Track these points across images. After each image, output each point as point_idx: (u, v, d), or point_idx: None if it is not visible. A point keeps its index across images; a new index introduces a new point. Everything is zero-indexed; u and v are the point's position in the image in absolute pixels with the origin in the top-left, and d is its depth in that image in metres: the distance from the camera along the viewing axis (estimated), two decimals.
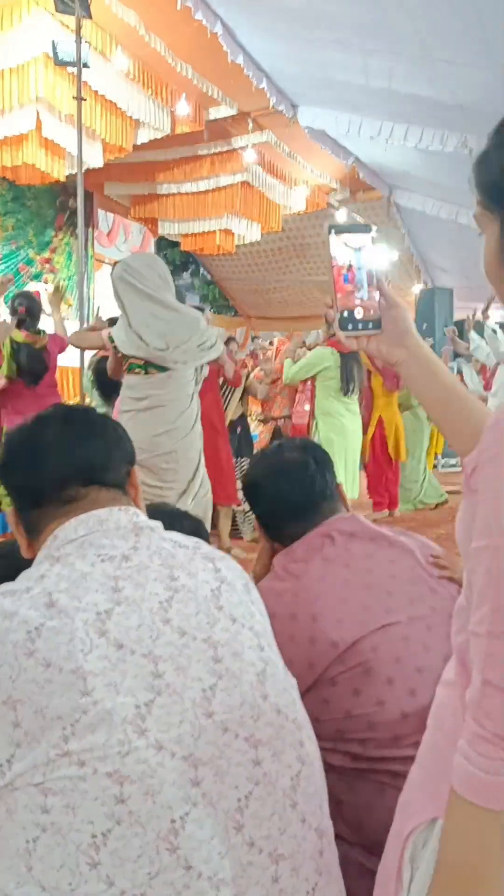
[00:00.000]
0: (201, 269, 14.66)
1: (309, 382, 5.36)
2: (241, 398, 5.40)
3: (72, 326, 5.45)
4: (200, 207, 9.46)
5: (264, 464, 1.56)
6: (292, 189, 9.63)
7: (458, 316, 9.93)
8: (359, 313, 0.96)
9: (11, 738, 0.83)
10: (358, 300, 0.96)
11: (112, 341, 3.26)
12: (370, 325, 0.97)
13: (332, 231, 0.97)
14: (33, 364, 4.64)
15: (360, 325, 0.96)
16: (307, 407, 5.37)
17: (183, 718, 0.88)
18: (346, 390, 5.18)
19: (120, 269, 3.20)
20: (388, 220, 10.45)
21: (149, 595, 0.95)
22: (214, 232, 9.89)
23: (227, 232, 9.98)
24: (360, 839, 1.25)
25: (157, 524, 1.08)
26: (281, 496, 1.46)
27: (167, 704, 0.88)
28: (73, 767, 0.82)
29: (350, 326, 0.96)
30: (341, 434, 5.12)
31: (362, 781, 1.27)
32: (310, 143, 8.23)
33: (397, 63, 5.99)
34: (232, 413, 5.30)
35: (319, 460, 1.52)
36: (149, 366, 3.17)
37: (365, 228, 0.98)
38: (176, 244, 11.68)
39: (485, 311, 6.03)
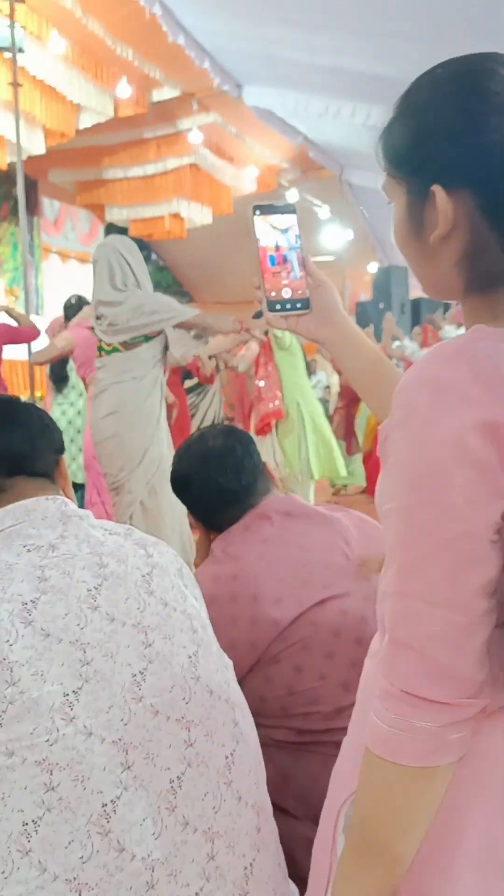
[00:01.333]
0: (153, 255, 14.52)
1: (270, 366, 5.27)
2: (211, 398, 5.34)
3: None
4: (148, 192, 9.36)
5: (189, 455, 1.52)
6: (242, 170, 9.58)
7: (413, 294, 9.99)
8: (287, 293, 0.96)
9: None
10: (286, 281, 0.96)
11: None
12: (298, 305, 0.97)
13: (257, 212, 0.96)
14: None
15: (288, 306, 0.96)
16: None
17: (112, 703, 0.88)
18: (311, 371, 5.18)
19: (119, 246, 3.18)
20: (341, 198, 10.46)
21: (76, 583, 0.95)
22: (163, 217, 9.80)
23: (176, 216, 9.90)
24: (308, 813, 1.26)
25: (88, 513, 1.07)
26: (212, 485, 1.44)
27: (95, 691, 0.88)
28: (1, 757, 0.82)
29: (278, 307, 0.96)
30: (310, 414, 5.02)
31: (307, 755, 1.28)
32: (257, 123, 8.18)
33: (342, 39, 5.96)
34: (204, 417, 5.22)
35: (243, 443, 1.51)
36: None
37: (290, 208, 0.98)
38: (125, 230, 11.55)
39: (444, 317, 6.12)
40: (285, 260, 0.97)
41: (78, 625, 0.91)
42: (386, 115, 0.81)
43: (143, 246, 14.14)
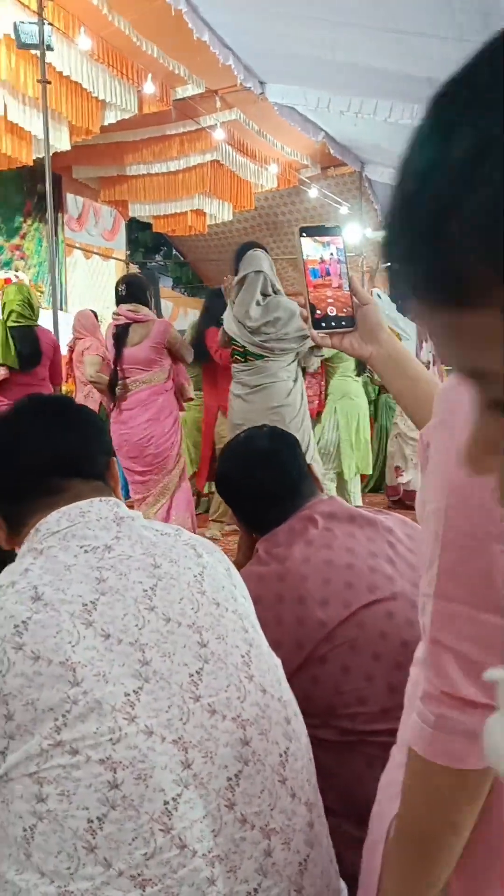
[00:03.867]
0: (173, 251, 14.54)
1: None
2: None
3: (45, 315, 5.41)
4: (171, 188, 9.36)
5: (235, 457, 1.54)
6: (263, 167, 9.57)
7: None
8: (331, 311, 0.98)
9: (4, 730, 0.85)
10: (331, 299, 0.98)
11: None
12: (343, 323, 0.99)
13: (303, 234, 0.99)
14: (24, 346, 4.61)
15: (333, 324, 0.98)
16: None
17: (171, 703, 0.90)
18: (360, 370, 5.16)
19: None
20: (360, 195, 10.42)
21: (132, 584, 0.96)
22: (186, 212, 9.80)
23: (199, 212, 9.90)
24: (351, 811, 1.28)
25: (138, 514, 1.09)
26: (258, 488, 1.46)
27: (155, 691, 0.90)
28: (66, 756, 0.84)
29: (323, 325, 0.98)
30: (355, 415, 5.12)
31: (352, 755, 1.30)
32: (279, 120, 8.17)
33: (365, 36, 5.94)
34: None
35: (289, 445, 1.52)
36: None
37: (335, 230, 1.01)
38: (147, 226, 11.57)
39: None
40: (330, 279, 0.99)
41: (136, 625, 0.93)
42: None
43: (165, 242, 14.19)
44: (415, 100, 6.80)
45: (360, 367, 5.17)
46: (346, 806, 1.29)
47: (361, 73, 6.59)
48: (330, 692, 1.30)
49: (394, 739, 1.29)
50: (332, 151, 9.19)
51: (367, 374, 5.42)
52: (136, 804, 0.84)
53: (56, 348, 4.89)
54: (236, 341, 3.73)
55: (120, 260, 11.79)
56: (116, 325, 4.13)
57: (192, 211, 9.74)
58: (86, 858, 0.83)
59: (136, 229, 12.93)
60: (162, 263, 14.80)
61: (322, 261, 0.99)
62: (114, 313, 4.21)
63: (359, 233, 11.03)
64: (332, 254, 1.00)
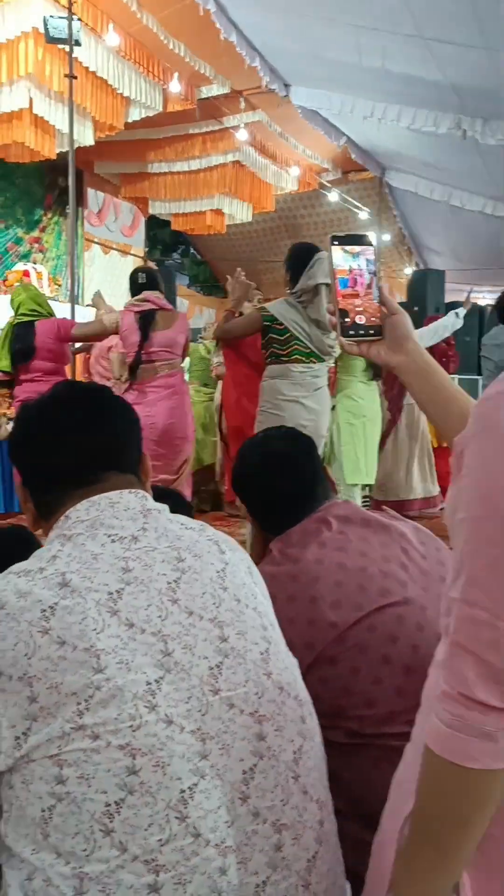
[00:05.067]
0: (191, 250, 14.57)
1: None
2: None
3: (61, 309, 5.44)
4: (192, 187, 9.40)
5: (252, 457, 1.55)
6: (284, 169, 9.59)
7: (449, 298, 9.94)
8: (360, 319, 1.00)
9: (27, 712, 0.87)
10: (360, 308, 1.00)
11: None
12: (371, 332, 1.01)
13: (335, 242, 1.01)
14: (16, 342, 4.60)
15: (361, 332, 1.00)
16: None
17: (191, 695, 0.92)
18: (375, 374, 4.98)
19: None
20: (379, 200, 10.43)
21: (157, 576, 0.98)
22: (205, 212, 9.84)
23: (218, 212, 9.94)
24: (357, 813, 1.29)
25: (164, 507, 1.11)
26: (274, 488, 1.48)
27: (175, 681, 0.91)
28: (86, 740, 0.86)
29: (352, 332, 1.00)
30: (360, 416, 4.95)
31: (359, 757, 1.31)
32: (301, 123, 8.19)
33: (390, 42, 5.95)
34: None
35: (305, 447, 1.54)
36: None
37: (366, 240, 1.03)
38: (166, 224, 11.61)
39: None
40: (359, 287, 1.01)
41: (159, 616, 0.95)
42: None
43: (183, 240, 14.23)
44: (439, 107, 6.80)
45: (373, 372, 5.01)
46: (351, 807, 1.30)
47: (386, 78, 6.60)
48: (338, 693, 1.31)
49: (401, 743, 1.30)
50: (353, 156, 9.21)
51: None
52: (154, 791, 0.86)
53: (64, 334, 4.64)
54: (301, 342, 3.71)
55: (138, 256, 11.82)
56: (141, 311, 4.11)
57: (211, 210, 9.78)
58: (102, 841, 0.85)
59: (155, 226, 12.98)
60: (179, 261, 14.85)
61: (351, 270, 1.01)
62: (137, 299, 4.16)
63: (377, 238, 11.02)
64: (361, 264, 1.02)
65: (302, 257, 3.77)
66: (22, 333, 4.62)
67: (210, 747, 0.91)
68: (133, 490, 1.09)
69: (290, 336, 3.71)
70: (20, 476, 1.16)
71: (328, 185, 10.36)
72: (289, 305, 3.72)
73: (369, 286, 1.01)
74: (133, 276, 4.34)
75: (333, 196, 10.45)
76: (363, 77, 6.74)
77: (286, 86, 7.66)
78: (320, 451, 3.86)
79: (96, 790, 0.85)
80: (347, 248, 1.01)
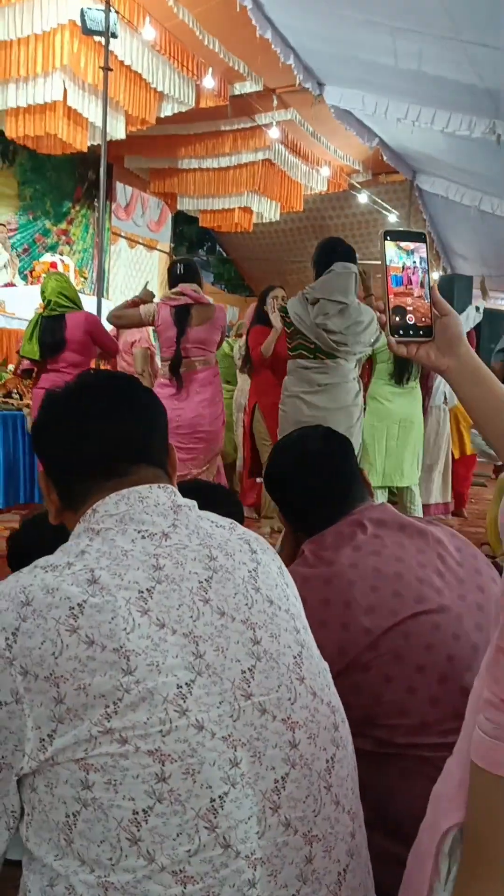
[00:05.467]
0: (217, 247, 14.56)
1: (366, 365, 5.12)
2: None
3: (87, 302, 5.43)
4: (221, 184, 9.39)
5: (287, 456, 1.52)
6: (314, 169, 9.55)
7: (476, 303, 9.86)
8: (410, 319, 0.96)
9: (53, 713, 0.83)
10: (410, 307, 0.96)
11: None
12: (421, 333, 0.97)
13: (388, 237, 0.97)
14: (47, 335, 4.66)
15: (410, 332, 0.96)
16: None
17: (223, 699, 0.88)
18: (398, 379, 4.87)
19: None
20: (409, 203, 10.36)
21: (189, 574, 0.95)
22: (234, 209, 9.82)
23: (246, 210, 9.92)
24: (383, 823, 1.26)
25: (193, 503, 1.07)
26: (308, 488, 1.44)
27: (207, 685, 0.88)
28: (114, 745, 0.82)
29: (401, 332, 0.96)
30: (385, 419, 4.85)
31: (388, 766, 1.27)
32: (334, 123, 8.14)
33: (427, 44, 5.89)
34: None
35: (342, 447, 1.50)
36: None
37: (420, 237, 0.99)
38: (194, 220, 11.60)
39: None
40: (413, 286, 0.97)
41: (191, 617, 0.91)
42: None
43: (209, 237, 14.23)
44: (473, 111, 6.73)
45: (398, 375, 4.94)
46: (377, 817, 1.26)
47: (421, 81, 6.54)
48: (370, 701, 1.27)
49: (433, 754, 1.27)
50: (384, 158, 9.15)
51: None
52: (183, 799, 0.83)
53: (90, 328, 4.80)
54: (306, 337, 3.65)
55: (164, 252, 11.84)
56: (176, 305, 4.07)
57: (239, 208, 9.77)
58: (128, 850, 0.81)
59: (182, 222, 12.99)
60: (205, 258, 14.84)
61: (405, 268, 0.97)
62: (174, 292, 4.11)
63: None
64: (415, 261, 0.98)
65: (322, 257, 3.75)
66: (53, 326, 4.66)
67: (241, 755, 0.87)
68: (162, 485, 1.05)
69: (294, 331, 3.68)
70: (43, 466, 1.13)
71: (358, 186, 10.31)
72: (298, 301, 3.68)
73: (422, 285, 0.98)
74: (171, 268, 4.30)
75: (363, 198, 10.39)
76: (398, 79, 6.69)
77: (320, 85, 7.61)
78: None
79: (124, 797, 0.82)
80: (402, 244, 0.98)
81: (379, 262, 0.99)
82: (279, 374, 4.72)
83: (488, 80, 6.01)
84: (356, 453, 3.82)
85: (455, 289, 10.41)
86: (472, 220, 9.64)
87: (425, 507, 5.59)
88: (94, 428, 1.07)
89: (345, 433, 3.92)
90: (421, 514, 5.01)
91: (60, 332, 4.65)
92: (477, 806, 0.75)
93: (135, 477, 1.05)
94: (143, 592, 0.90)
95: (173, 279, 4.17)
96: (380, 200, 10.57)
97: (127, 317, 4.26)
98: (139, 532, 0.98)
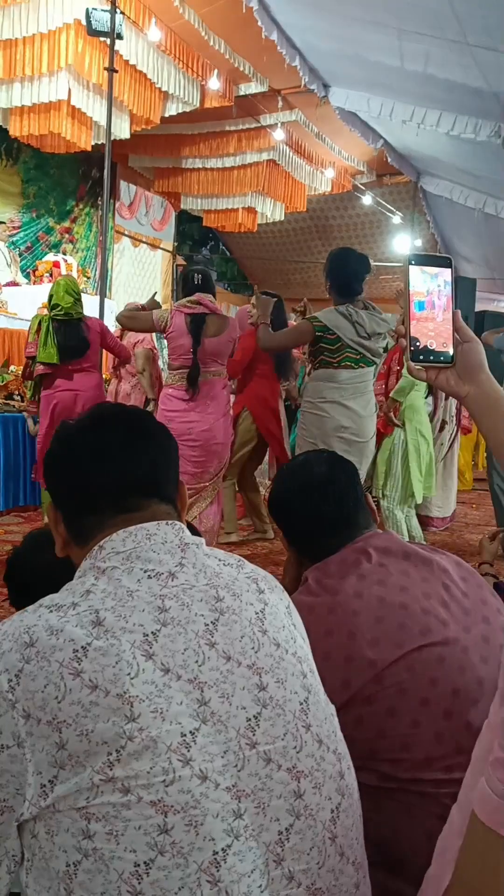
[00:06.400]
0: (221, 246, 14.53)
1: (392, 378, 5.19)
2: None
3: (90, 301, 5.42)
4: (225, 184, 9.37)
5: (292, 481, 1.50)
6: (319, 170, 9.52)
7: (479, 307, 9.84)
8: (432, 345, 0.94)
9: (55, 759, 0.82)
10: (432, 332, 0.94)
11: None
12: (441, 358, 0.95)
13: (412, 262, 0.95)
14: (69, 339, 4.74)
15: (431, 357, 0.94)
16: None
17: (227, 748, 0.86)
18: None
19: None
20: (413, 205, 10.33)
21: (195, 616, 0.93)
22: (237, 209, 9.80)
23: (250, 210, 9.90)
24: (384, 859, 1.24)
25: (201, 540, 1.05)
26: (314, 514, 1.42)
27: (212, 733, 0.86)
28: (116, 794, 0.81)
29: (422, 357, 0.94)
30: (427, 433, 4.93)
31: (390, 801, 1.25)
32: (338, 124, 8.12)
33: (433, 46, 5.86)
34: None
35: (347, 473, 1.48)
36: None
37: (445, 262, 0.97)
38: (197, 219, 11.58)
39: None
40: (437, 310, 0.95)
41: (196, 662, 0.89)
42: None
43: (212, 236, 14.19)
44: (480, 114, 6.70)
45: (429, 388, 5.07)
46: (378, 854, 1.25)
47: (428, 83, 6.51)
48: (374, 735, 1.25)
49: (436, 790, 1.25)
50: (389, 159, 9.12)
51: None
52: (186, 852, 0.81)
53: (103, 332, 4.99)
54: (353, 349, 3.76)
55: (167, 251, 11.81)
56: (192, 313, 4.02)
57: (243, 208, 9.75)
58: None
59: (185, 221, 12.96)
60: (208, 257, 14.81)
61: (429, 293, 0.95)
62: (190, 301, 4.05)
63: (409, 244, 10.94)
64: (439, 286, 0.96)
65: (339, 269, 3.81)
66: (75, 330, 4.76)
67: (245, 806, 0.85)
68: (170, 521, 1.03)
69: (341, 345, 3.76)
70: (52, 497, 1.11)
71: (362, 187, 10.28)
72: (339, 315, 3.74)
73: (445, 310, 0.96)
74: (187, 275, 4.20)
75: (367, 199, 10.37)
76: (404, 81, 6.66)
77: (325, 86, 7.58)
78: (367, 457, 3.96)
79: (125, 848, 0.80)
80: (426, 268, 0.96)
81: (384, 263, 0.97)
82: (265, 377, 5.07)
83: (494, 84, 5.98)
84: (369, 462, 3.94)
85: (459, 290, 10.39)
86: (475, 223, 9.61)
87: (431, 519, 5.64)
88: (109, 461, 1.05)
89: (371, 441, 4.05)
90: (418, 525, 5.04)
91: (82, 336, 4.76)
92: (473, 861, 0.74)
93: (146, 513, 1.03)
94: (147, 636, 0.89)
95: (189, 288, 4.11)
96: (384, 202, 10.54)
97: (139, 319, 4.23)
98: (145, 571, 0.96)
